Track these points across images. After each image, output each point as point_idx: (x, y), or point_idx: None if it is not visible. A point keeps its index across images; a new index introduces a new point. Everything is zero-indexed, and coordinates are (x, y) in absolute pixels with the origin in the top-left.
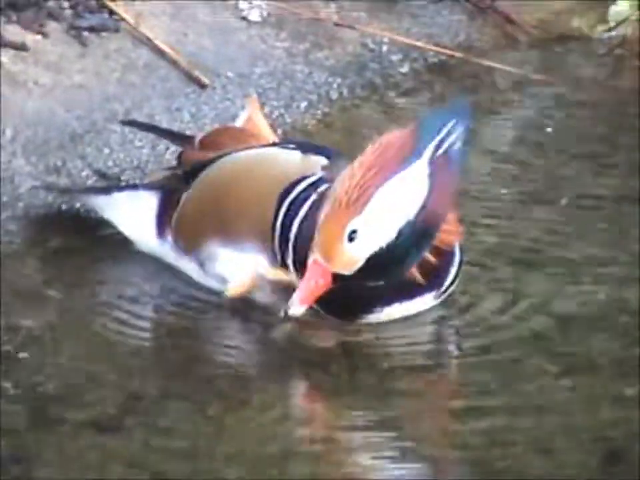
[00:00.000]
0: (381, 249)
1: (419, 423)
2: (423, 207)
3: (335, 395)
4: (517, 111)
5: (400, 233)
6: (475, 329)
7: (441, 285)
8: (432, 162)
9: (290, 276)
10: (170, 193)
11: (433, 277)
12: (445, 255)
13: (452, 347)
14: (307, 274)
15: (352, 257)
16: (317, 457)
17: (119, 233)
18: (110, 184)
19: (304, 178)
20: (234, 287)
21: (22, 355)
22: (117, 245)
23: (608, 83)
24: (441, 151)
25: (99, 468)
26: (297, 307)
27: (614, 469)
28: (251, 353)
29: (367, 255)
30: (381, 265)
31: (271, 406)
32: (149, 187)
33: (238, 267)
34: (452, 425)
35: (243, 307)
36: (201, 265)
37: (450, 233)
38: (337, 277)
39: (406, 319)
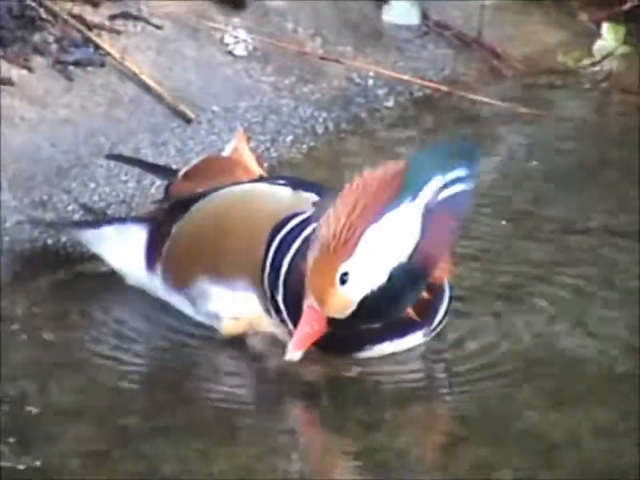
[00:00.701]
0: (373, 291)
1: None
2: (416, 249)
3: (324, 428)
4: (502, 145)
5: (392, 275)
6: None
7: (432, 322)
8: (428, 204)
9: (273, 324)
10: (158, 226)
11: (424, 314)
12: (434, 292)
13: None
14: (302, 319)
15: (345, 300)
16: None
17: (107, 267)
18: (97, 218)
19: (295, 215)
20: (229, 327)
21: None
22: (105, 280)
23: (593, 117)
24: (438, 193)
25: None
26: (293, 352)
27: None
28: (238, 387)
29: (360, 298)
30: (374, 308)
31: (257, 440)
32: (137, 220)
33: (230, 306)
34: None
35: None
36: (192, 302)
37: (440, 270)
38: (331, 321)
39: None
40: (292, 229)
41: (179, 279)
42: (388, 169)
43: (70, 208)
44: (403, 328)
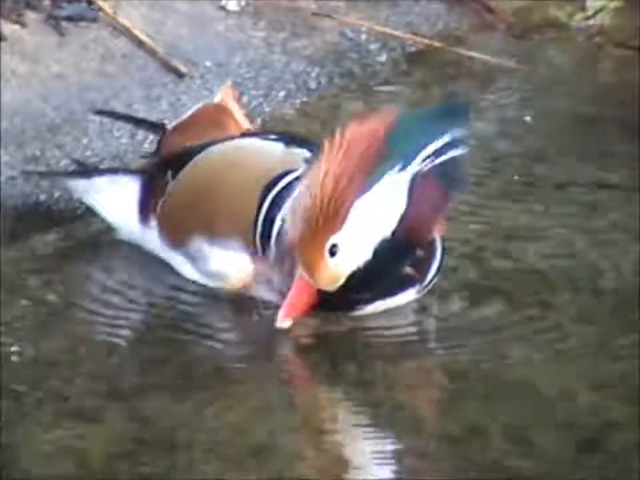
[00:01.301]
0: (359, 267)
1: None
2: (403, 220)
3: (316, 384)
4: (495, 100)
5: (376, 251)
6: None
7: (425, 278)
8: (417, 172)
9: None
10: (150, 179)
11: (418, 271)
12: (427, 249)
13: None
14: (292, 289)
15: (335, 272)
16: (298, 447)
17: (99, 226)
18: (89, 169)
19: (287, 172)
20: (233, 281)
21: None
22: (97, 235)
23: (586, 71)
24: (429, 161)
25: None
26: (282, 320)
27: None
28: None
29: (350, 271)
30: (362, 281)
31: (250, 395)
32: (130, 172)
33: (229, 264)
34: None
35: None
36: (192, 261)
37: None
38: (321, 292)
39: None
40: (283, 188)
41: (176, 237)
42: (373, 128)
43: (62, 163)
44: (397, 285)
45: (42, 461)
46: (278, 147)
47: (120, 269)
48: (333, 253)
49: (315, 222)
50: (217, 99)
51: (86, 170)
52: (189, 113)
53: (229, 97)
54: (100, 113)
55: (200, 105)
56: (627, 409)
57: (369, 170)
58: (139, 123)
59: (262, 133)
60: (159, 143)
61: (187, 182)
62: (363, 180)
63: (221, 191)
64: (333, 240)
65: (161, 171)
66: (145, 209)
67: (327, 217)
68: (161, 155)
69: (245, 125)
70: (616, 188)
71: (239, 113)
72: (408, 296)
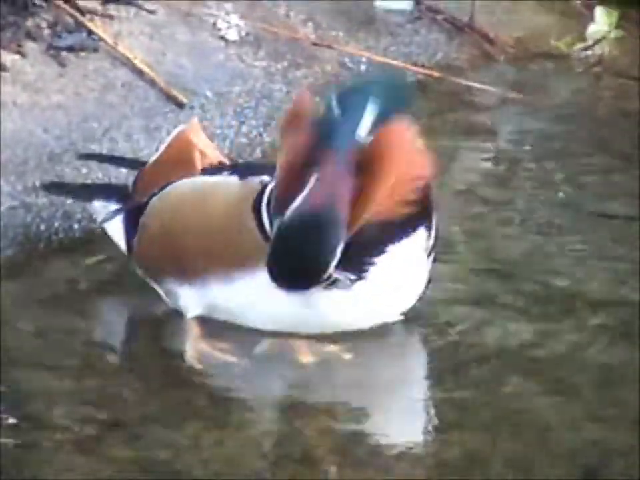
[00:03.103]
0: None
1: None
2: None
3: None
4: (495, 129)
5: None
6: None
7: (430, 216)
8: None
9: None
10: (128, 217)
11: (422, 210)
12: (425, 189)
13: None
14: None
15: None
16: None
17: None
18: (98, 185)
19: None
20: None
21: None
22: (96, 268)
23: (585, 100)
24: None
25: None
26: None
27: None
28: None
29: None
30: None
31: (249, 424)
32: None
33: (196, 301)
34: None
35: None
36: (165, 295)
37: (420, 167)
38: None
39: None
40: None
41: (149, 273)
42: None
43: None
44: (410, 224)
45: None
46: (233, 181)
47: (119, 296)
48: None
49: None
50: (184, 135)
51: (89, 193)
52: (161, 149)
53: (198, 133)
54: (82, 157)
55: (168, 141)
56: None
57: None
58: (122, 162)
59: (216, 169)
60: (134, 181)
61: (150, 222)
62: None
63: (184, 232)
64: None
65: (137, 211)
66: (130, 242)
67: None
68: (135, 193)
69: (216, 158)
70: (616, 218)
71: (208, 148)
72: (421, 238)
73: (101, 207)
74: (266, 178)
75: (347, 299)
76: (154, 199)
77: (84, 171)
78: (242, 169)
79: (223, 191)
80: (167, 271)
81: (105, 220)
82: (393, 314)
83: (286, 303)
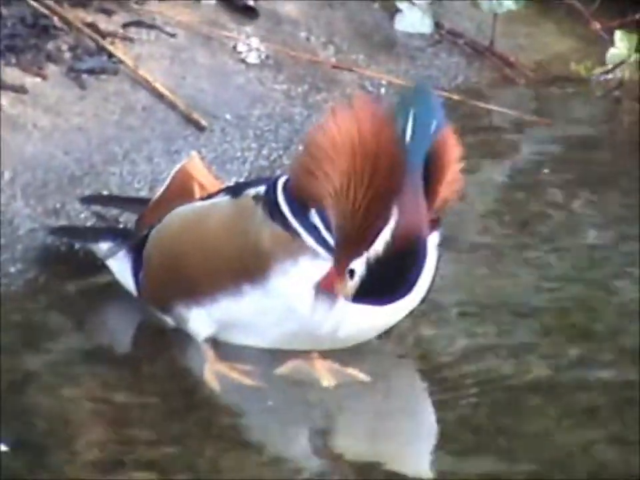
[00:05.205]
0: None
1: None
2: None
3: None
4: (515, 153)
5: (371, 264)
6: None
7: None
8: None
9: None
10: (133, 252)
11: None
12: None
13: None
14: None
15: (350, 288)
16: None
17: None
18: (104, 227)
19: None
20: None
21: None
22: (115, 289)
23: (605, 125)
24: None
25: None
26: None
27: None
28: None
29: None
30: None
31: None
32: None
33: (206, 321)
34: None
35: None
36: (177, 324)
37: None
38: None
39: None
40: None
41: (158, 304)
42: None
43: (83, 216)
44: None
45: None
46: (225, 199)
47: (134, 321)
48: (352, 276)
49: (339, 247)
50: (184, 170)
51: (95, 234)
52: (163, 187)
53: (198, 166)
54: (85, 201)
55: (169, 179)
56: None
57: (391, 191)
58: (125, 202)
59: (210, 195)
60: (137, 220)
61: (154, 251)
62: (389, 205)
63: (187, 256)
64: (352, 266)
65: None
66: (138, 281)
67: (350, 244)
68: (139, 231)
69: (217, 188)
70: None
71: (207, 180)
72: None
73: (106, 249)
74: (252, 191)
75: (366, 311)
76: (153, 230)
77: (104, 193)
78: (232, 188)
79: (218, 209)
80: (174, 296)
81: (108, 256)
82: (392, 321)
83: (298, 310)
